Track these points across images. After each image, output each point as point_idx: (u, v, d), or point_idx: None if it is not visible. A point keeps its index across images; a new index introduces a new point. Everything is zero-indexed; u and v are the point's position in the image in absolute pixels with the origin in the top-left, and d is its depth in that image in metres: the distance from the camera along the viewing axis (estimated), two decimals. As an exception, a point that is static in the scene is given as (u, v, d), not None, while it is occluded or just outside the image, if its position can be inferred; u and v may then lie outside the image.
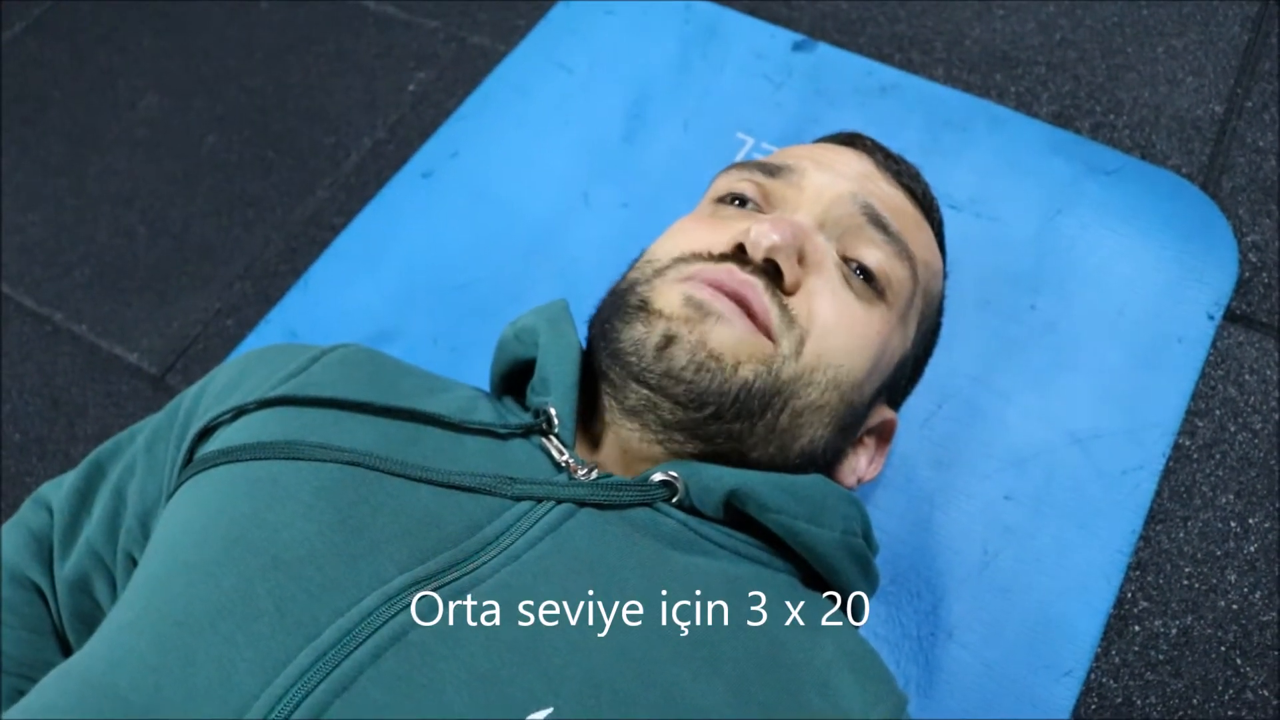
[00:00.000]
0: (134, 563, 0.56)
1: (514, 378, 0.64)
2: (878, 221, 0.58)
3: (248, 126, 1.13)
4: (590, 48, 1.06)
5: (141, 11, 1.26)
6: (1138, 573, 0.78)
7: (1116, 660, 0.75)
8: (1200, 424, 0.83)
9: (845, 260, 0.57)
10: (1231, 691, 0.73)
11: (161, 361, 0.96)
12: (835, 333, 0.54)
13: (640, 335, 0.52)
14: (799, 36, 1.04)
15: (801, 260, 0.54)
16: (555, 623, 0.42)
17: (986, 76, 1.04)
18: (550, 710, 0.39)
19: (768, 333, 0.52)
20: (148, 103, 1.16)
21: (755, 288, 0.52)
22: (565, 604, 0.43)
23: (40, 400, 0.95)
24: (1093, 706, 0.73)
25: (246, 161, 1.10)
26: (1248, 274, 0.89)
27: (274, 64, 1.18)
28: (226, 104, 1.15)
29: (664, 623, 0.44)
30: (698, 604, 0.46)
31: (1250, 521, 0.79)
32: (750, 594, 0.49)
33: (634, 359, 0.52)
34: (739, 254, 0.54)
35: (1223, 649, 0.75)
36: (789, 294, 0.54)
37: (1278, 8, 1.06)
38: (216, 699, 0.38)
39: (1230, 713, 0.72)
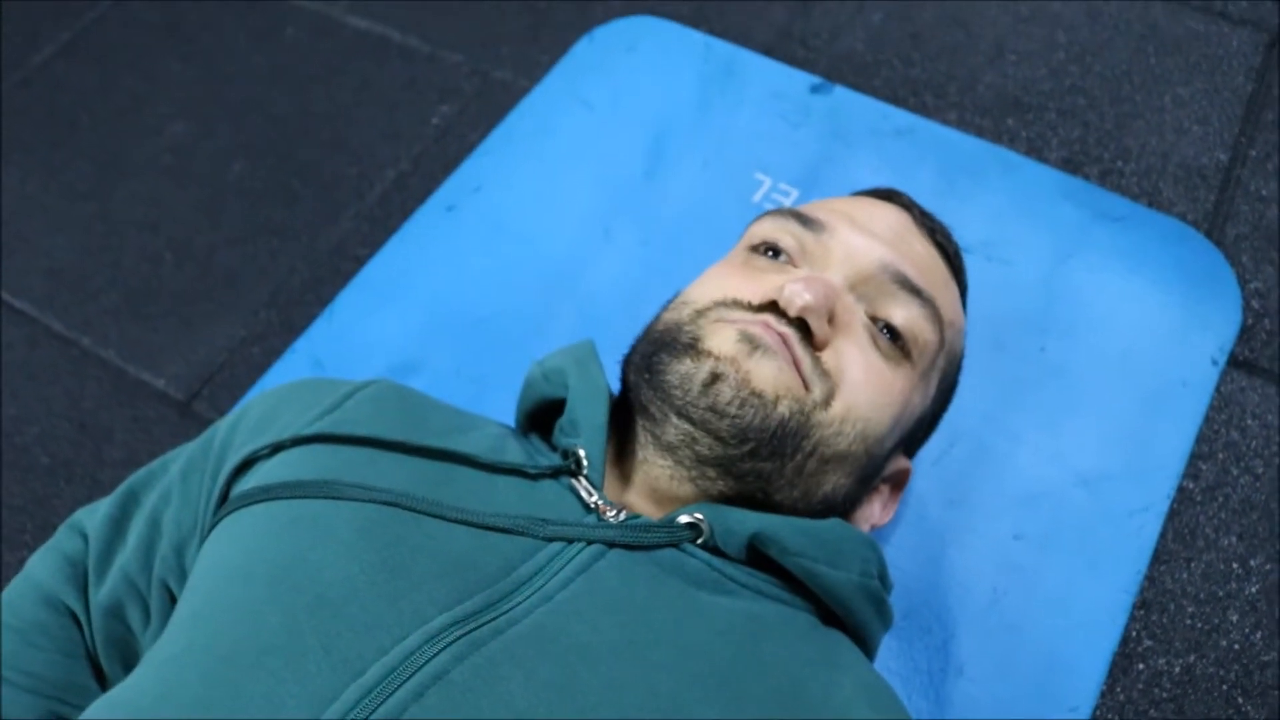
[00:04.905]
0: (168, 590, 0.57)
1: (540, 415, 0.65)
2: (909, 286, 0.60)
3: (273, 155, 1.15)
4: (612, 85, 1.09)
5: (169, 38, 1.29)
6: (1142, 612, 0.79)
7: (1121, 698, 0.76)
8: (1204, 467, 0.85)
9: (874, 320, 0.59)
10: (1233, 731, 0.75)
11: (188, 388, 0.98)
12: (863, 389, 0.56)
13: (688, 370, 0.54)
14: (816, 79, 1.07)
15: (831, 320, 0.56)
16: (590, 661, 0.44)
17: (998, 121, 1.06)
18: (585, 747, 0.40)
19: (801, 377, 0.54)
20: (174, 129, 1.19)
21: (792, 338, 0.55)
22: (599, 643, 0.45)
23: (68, 424, 0.97)
24: (1098, 744, 0.75)
25: (272, 190, 1.12)
26: (1250, 320, 0.92)
27: (299, 93, 1.20)
28: (252, 132, 1.18)
29: (693, 661, 0.46)
30: (723, 642, 0.48)
31: (1252, 563, 0.81)
32: (772, 632, 0.50)
33: (679, 393, 0.54)
34: (773, 309, 0.56)
35: (1225, 687, 0.76)
36: (818, 350, 0.56)
37: (1282, 58, 1.09)
38: (265, 733, 0.38)
39: (1232, 752, 0.74)
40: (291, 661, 0.41)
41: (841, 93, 1.06)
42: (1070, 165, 1.02)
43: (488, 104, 1.15)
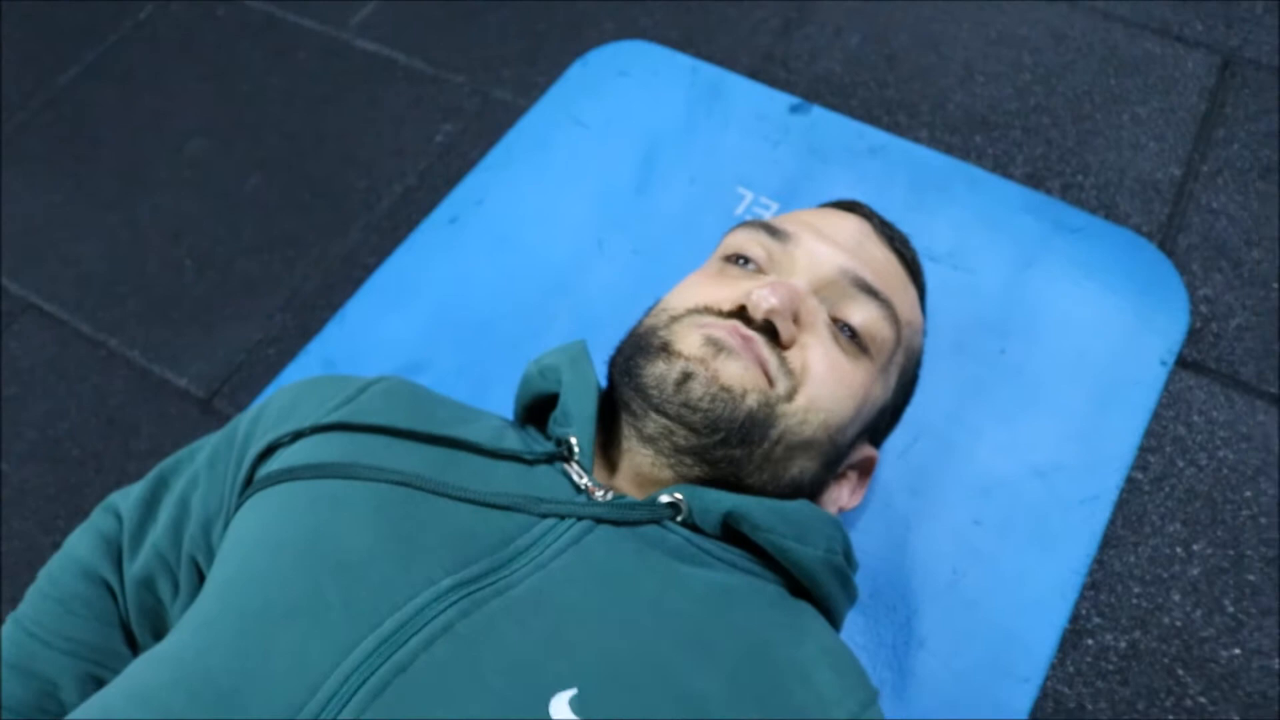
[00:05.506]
0: (196, 564, 0.63)
1: (536, 408, 0.71)
2: (867, 289, 0.66)
3: (287, 170, 1.22)
4: (604, 105, 1.16)
5: (188, 60, 1.36)
6: (1091, 592, 0.86)
7: (1071, 670, 0.83)
8: (1152, 459, 0.91)
9: (835, 321, 0.65)
10: (1173, 699, 0.81)
11: (208, 386, 1.05)
12: (825, 382, 0.62)
13: (662, 371, 0.60)
14: (796, 99, 1.14)
15: (796, 320, 0.62)
16: (579, 619, 0.50)
17: (967, 138, 1.13)
18: (575, 690, 0.46)
19: (766, 375, 0.60)
20: (194, 145, 1.26)
21: (757, 340, 0.60)
22: (587, 604, 0.51)
23: (96, 419, 1.04)
24: (1048, 710, 0.81)
25: (286, 203, 1.19)
26: (1198, 324, 0.98)
27: (312, 112, 1.27)
28: (267, 148, 1.24)
29: (670, 622, 0.52)
30: (699, 607, 0.53)
31: (1194, 548, 0.87)
32: (743, 600, 0.56)
33: (655, 392, 0.59)
34: (742, 313, 0.62)
35: (1166, 661, 0.83)
36: (785, 348, 0.62)
37: (1233, 80, 1.16)
38: (295, 676, 0.45)
39: (1171, 717, 0.80)
40: (316, 617, 0.47)
41: (819, 112, 1.12)
42: (1033, 180, 1.09)
43: (488, 122, 1.22)
